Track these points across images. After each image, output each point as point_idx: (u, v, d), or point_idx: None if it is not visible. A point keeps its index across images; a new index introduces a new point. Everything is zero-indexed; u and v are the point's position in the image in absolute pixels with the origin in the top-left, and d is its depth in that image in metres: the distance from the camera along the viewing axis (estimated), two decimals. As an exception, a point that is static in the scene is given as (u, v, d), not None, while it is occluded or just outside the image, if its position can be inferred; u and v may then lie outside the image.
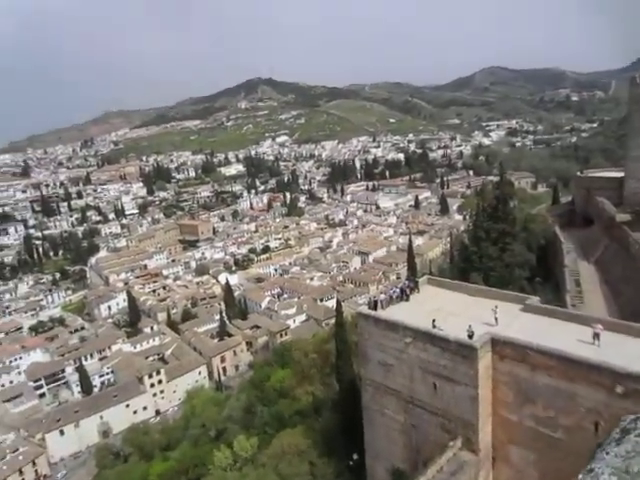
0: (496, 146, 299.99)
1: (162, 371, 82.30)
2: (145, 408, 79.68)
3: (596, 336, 21.62)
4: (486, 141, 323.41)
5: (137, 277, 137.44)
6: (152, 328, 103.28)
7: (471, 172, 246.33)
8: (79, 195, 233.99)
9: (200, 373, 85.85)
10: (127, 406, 77.89)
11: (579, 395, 20.01)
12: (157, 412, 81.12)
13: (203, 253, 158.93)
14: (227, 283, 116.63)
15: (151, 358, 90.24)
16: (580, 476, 2.40)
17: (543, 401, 21.38)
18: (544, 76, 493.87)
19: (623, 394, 18.27)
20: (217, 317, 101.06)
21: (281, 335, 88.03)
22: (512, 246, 45.49)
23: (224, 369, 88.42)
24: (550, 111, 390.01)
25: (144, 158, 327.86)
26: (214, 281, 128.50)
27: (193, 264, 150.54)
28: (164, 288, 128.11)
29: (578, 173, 67.50)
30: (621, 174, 54.32)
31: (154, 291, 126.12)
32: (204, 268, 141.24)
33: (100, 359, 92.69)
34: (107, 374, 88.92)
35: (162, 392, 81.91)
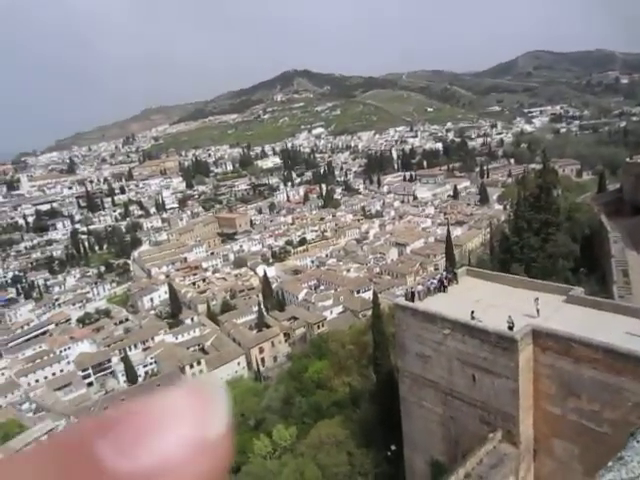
0: (539, 133, 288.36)
1: (203, 361, 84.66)
2: None
3: (645, 328, 20.77)
4: (528, 128, 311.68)
5: (177, 270, 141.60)
6: (192, 319, 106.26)
7: (512, 160, 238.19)
8: (122, 190, 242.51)
9: (239, 364, 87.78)
10: None
11: (626, 389, 19.36)
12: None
13: (241, 246, 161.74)
14: (264, 275, 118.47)
15: (192, 349, 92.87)
16: (610, 463, 2.39)
17: (588, 394, 20.78)
18: (591, 58, 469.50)
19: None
20: (255, 309, 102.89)
21: (318, 326, 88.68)
22: (555, 236, 44.00)
23: (262, 360, 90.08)
24: (597, 95, 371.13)
25: (183, 153, 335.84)
26: (252, 273, 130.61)
27: (231, 256, 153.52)
28: (203, 280, 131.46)
29: (627, 159, 64.27)
30: (675, 159, 51.33)
31: (194, 283, 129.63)
32: (242, 260, 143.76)
33: (144, 349, 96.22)
34: (150, 364, 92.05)
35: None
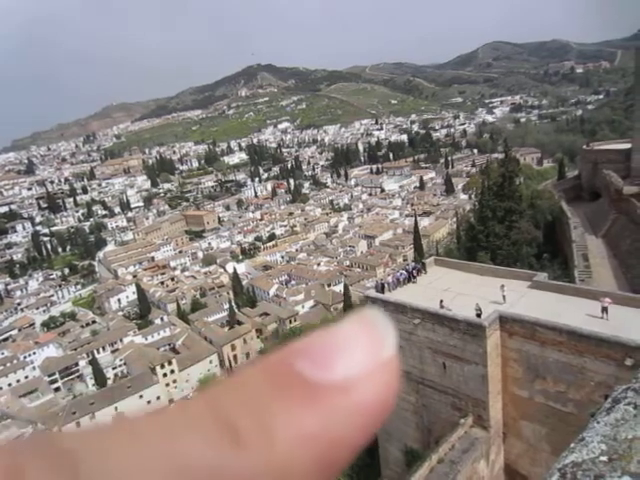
0: (500, 123, 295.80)
1: (174, 361, 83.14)
2: (158, 398, 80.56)
3: (604, 310, 21.60)
4: (490, 118, 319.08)
5: (145, 269, 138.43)
6: (162, 319, 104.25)
7: (475, 151, 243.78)
8: (84, 190, 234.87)
9: (211, 362, 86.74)
10: (141, 397, 78.52)
11: (589, 369, 20.06)
12: (170, 401, 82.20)
13: (209, 243, 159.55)
14: (234, 272, 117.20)
15: (162, 349, 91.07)
16: (572, 445, 2.39)
17: (553, 376, 21.43)
18: (548, 48, 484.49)
19: (632, 366, 18.32)
20: (226, 306, 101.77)
21: (290, 321, 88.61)
22: (519, 223, 45.16)
23: (235, 357, 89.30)
24: (555, 84, 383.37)
25: (147, 150, 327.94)
26: (222, 270, 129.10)
27: (200, 254, 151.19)
28: (172, 279, 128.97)
29: (584, 146, 66.53)
30: (628, 146, 53.46)
31: (162, 283, 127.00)
32: (211, 258, 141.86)
33: (112, 351, 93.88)
34: (120, 366, 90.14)
35: (175, 382, 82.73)
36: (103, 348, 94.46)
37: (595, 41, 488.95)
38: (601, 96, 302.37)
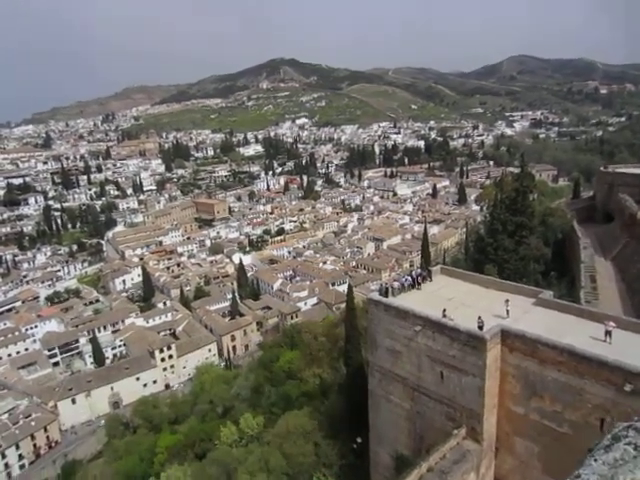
0: (519, 137, 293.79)
1: (173, 346, 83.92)
2: (155, 382, 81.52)
3: (608, 333, 21.40)
4: (509, 131, 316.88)
5: (152, 253, 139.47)
6: (165, 304, 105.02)
7: (492, 163, 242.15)
8: (99, 169, 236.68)
9: (210, 350, 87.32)
10: (137, 379, 79.62)
11: (587, 391, 19.88)
12: (167, 386, 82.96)
13: (218, 232, 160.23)
14: (240, 263, 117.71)
15: (163, 333, 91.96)
16: None
17: (550, 395, 21.27)
18: (574, 66, 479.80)
19: (631, 392, 18.14)
20: (229, 296, 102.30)
21: (292, 317, 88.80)
22: (528, 239, 44.85)
23: (234, 348, 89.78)
24: (577, 103, 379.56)
25: (164, 135, 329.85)
26: (228, 260, 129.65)
27: (208, 243, 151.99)
28: (178, 265, 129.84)
29: (601, 168, 65.87)
30: (646, 170, 52.84)
31: (168, 268, 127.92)
32: (218, 247, 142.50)
33: (113, 332, 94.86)
34: (119, 347, 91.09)
35: (172, 367, 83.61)
36: (104, 327, 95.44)
37: (621, 63, 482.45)
38: (623, 118, 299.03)
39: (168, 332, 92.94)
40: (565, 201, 68.15)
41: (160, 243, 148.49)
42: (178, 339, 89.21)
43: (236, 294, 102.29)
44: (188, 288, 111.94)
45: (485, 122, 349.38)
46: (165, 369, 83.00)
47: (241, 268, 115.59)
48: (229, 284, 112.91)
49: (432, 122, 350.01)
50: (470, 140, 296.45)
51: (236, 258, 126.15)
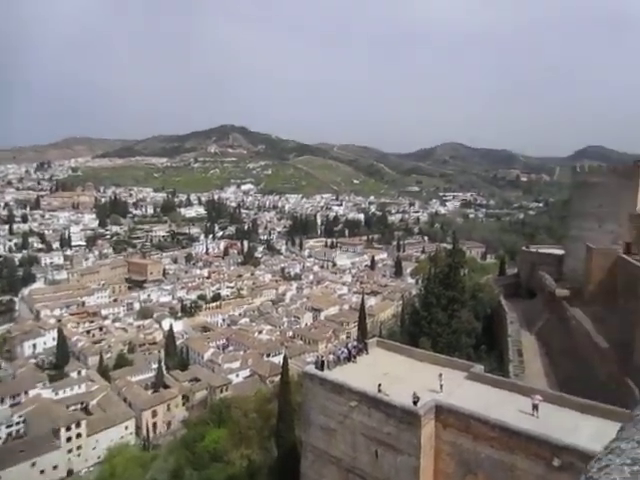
0: (451, 215, 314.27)
1: (83, 423, 73.47)
2: (55, 467, 69.18)
3: (535, 407, 21.75)
4: (442, 210, 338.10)
5: (72, 314, 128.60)
6: (79, 373, 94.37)
7: (426, 238, 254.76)
8: (24, 219, 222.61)
9: (127, 428, 78.35)
10: (33, 464, 66.42)
11: (519, 467, 19.68)
12: (69, 472, 71.12)
13: (149, 295, 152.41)
14: (170, 329, 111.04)
15: (73, 407, 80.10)
16: None
17: (484, 473, 20.79)
18: (498, 156, 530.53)
19: (560, 467, 18.07)
20: (154, 366, 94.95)
21: (221, 390, 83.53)
22: (460, 313, 46.18)
23: (154, 425, 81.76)
24: (502, 188, 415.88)
25: (102, 189, 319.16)
26: (157, 326, 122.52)
27: (137, 306, 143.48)
28: (100, 329, 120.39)
29: (523, 248, 70.98)
30: (562, 252, 57.41)
31: (89, 332, 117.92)
32: (148, 311, 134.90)
33: (12, 405, 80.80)
34: (18, 423, 76.60)
35: (79, 448, 72.53)
36: (2, 400, 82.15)
37: (539, 156, 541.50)
38: (541, 204, 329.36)
39: (80, 406, 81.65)
40: (493, 277, 71.78)
41: (83, 304, 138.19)
42: (91, 414, 79.19)
43: (162, 364, 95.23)
44: (109, 355, 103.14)
45: (421, 200, 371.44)
46: (71, 451, 71.62)
47: (170, 335, 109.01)
48: (156, 352, 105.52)
49: (372, 197, 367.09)
50: (407, 216, 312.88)
51: (166, 324, 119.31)
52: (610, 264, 43.13)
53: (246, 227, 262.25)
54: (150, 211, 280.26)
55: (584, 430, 19.89)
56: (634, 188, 48.75)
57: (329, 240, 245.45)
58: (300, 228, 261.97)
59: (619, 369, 30.36)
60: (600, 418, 21.13)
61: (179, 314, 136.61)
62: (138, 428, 79.57)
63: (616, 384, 29.39)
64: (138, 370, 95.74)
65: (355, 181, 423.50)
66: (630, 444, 3.02)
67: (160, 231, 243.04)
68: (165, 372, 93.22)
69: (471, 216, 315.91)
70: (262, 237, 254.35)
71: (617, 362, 31.13)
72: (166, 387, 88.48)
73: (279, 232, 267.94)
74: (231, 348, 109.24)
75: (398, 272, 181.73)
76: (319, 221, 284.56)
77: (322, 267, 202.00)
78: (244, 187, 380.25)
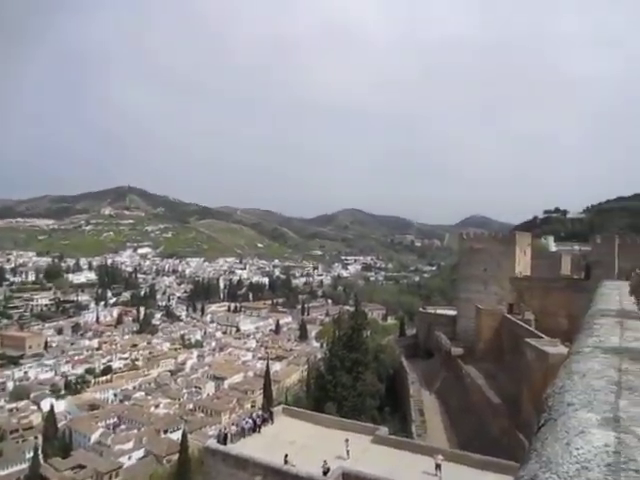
0: (353, 278, 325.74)
1: None
2: None
3: (438, 467, 22.43)
4: (344, 273, 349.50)
5: None
6: None
7: (330, 301, 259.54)
8: None
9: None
10: None
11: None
12: None
13: (26, 372, 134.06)
14: (51, 410, 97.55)
15: None
16: None
17: None
18: (395, 222, 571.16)
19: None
20: (29, 455, 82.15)
21: (110, 477, 74.14)
22: (364, 375, 47.06)
23: (25, 526, 69.69)
24: (399, 252, 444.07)
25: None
26: (34, 408, 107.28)
27: (10, 385, 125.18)
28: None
29: (421, 309, 75.47)
30: (455, 312, 62.01)
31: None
32: (24, 391, 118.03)
33: None
34: None
35: None
36: None
37: (431, 223, 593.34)
38: (434, 267, 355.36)
39: None
40: (394, 338, 74.79)
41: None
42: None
43: (39, 452, 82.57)
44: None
45: (324, 263, 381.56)
46: None
47: (50, 417, 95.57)
48: (32, 439, 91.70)
49: (276, 260, 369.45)
50: (311, 279, 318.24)
51: (46, 404, 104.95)
52: (497, 323, 47.44)
53: (143, 293, 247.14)
54: (32, 277, 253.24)
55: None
56: (512, 254, 55.24)
57: (232, 304, 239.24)
58: (202, 292, 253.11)
59: (510, 423, 32.33)
60: (498, 474, 22.37)
61: (62, 392, 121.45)
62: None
63: (508, 438, 31.16)
64: (9, 461, 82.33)
65: (259, 245, 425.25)
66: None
67: (43, 299, 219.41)
68: (42, 461, 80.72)
69: (372, 279, 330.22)
70: (160, 303, 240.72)
71: (508, 417, 33.31)
72: (43, 479, 76.41)
73: (179, 297, 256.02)
74: (123, 427, 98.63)
75: (303, 336, 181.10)
76: (222, 285, 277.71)
77: (225, 333, 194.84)
78: (141, 250, 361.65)
